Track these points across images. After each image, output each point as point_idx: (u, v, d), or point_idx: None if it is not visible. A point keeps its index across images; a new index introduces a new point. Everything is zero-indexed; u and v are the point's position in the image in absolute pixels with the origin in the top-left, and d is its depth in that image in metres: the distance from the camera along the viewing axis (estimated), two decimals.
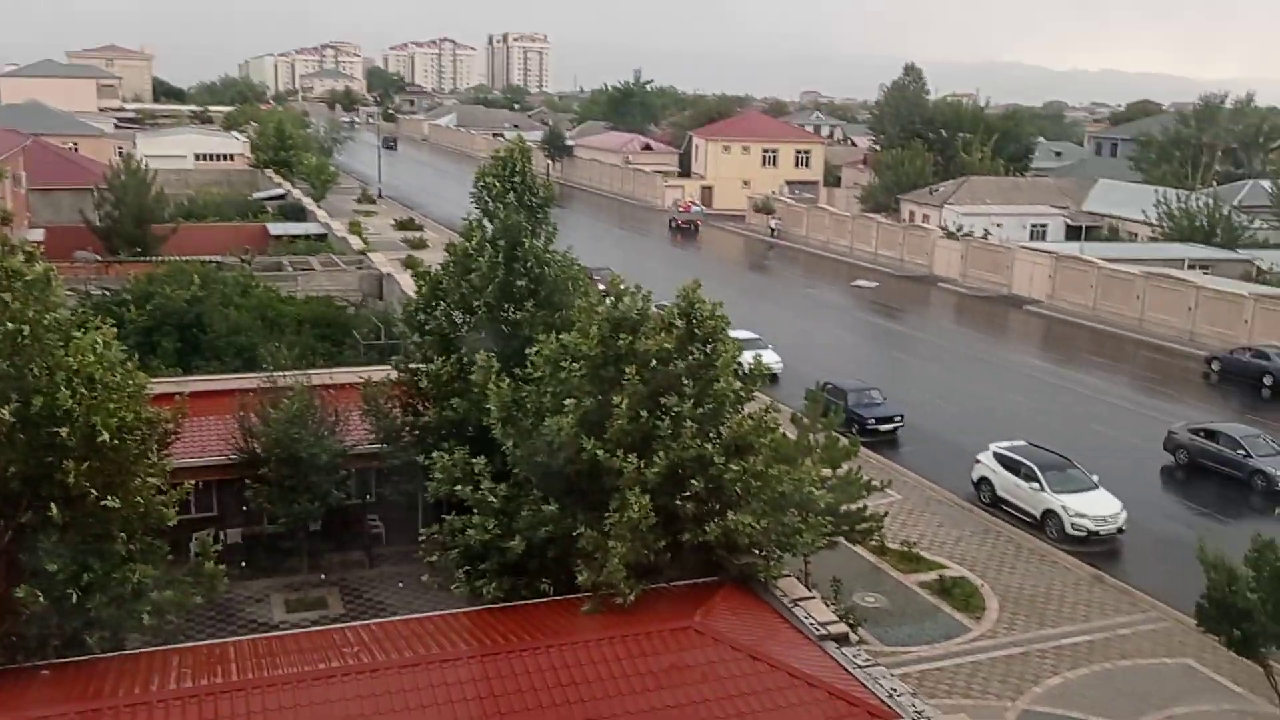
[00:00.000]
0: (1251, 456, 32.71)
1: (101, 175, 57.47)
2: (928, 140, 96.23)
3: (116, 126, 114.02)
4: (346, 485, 24.08)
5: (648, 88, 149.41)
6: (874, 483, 23.17)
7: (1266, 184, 76.85)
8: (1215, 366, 46.51)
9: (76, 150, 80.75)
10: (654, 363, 17.01)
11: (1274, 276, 59.94)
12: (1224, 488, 32.80)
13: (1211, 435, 34.21)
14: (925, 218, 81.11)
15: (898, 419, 37.10)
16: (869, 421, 36.12)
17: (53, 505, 13.82)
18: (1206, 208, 69.13)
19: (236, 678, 14.11)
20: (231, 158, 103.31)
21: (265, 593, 23.48)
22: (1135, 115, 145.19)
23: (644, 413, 16.47)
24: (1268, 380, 43.43)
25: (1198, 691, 21.30)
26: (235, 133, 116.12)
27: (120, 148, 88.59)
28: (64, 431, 13.83)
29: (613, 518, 16.19)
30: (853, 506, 22.55)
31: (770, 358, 38.11)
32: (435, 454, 18.69)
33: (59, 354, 14.26)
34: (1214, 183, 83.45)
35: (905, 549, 27.24)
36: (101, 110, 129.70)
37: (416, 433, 21.86)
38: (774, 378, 35.11)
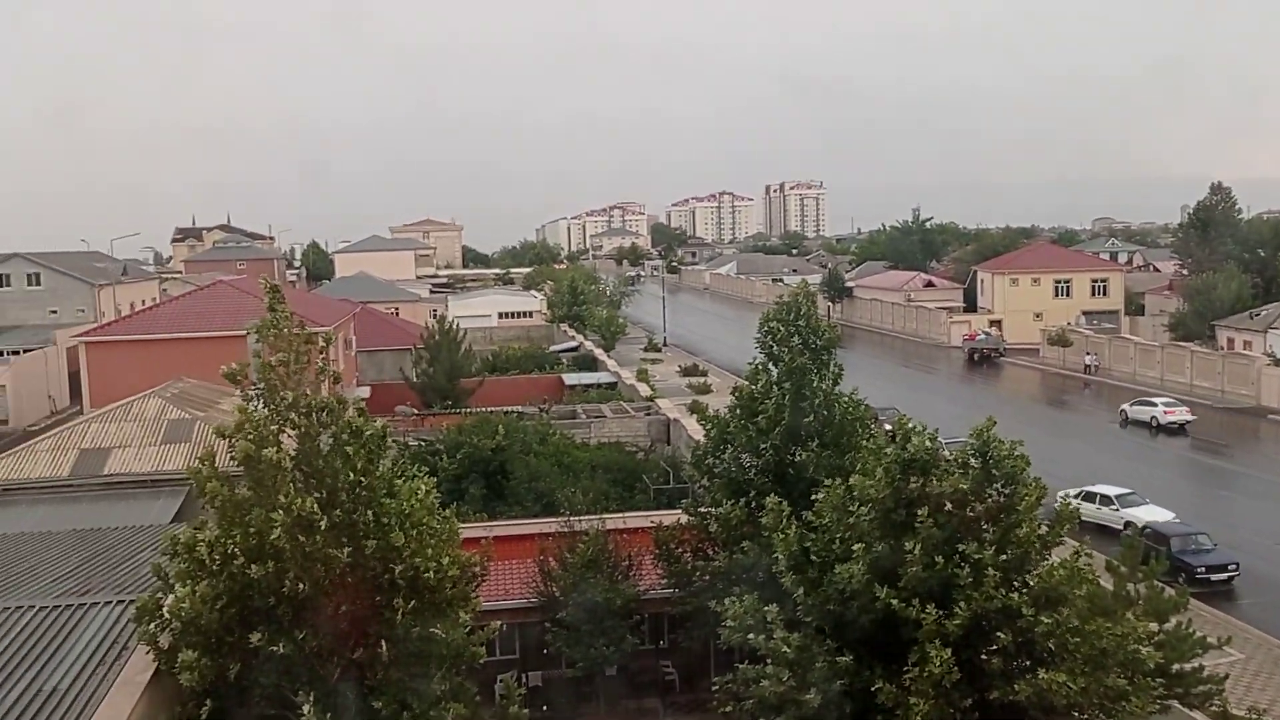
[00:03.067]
0: None
1: (418, 336, 63.05)
2: (1243, 262, 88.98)
3: (431, 291, 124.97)
4: (640, 630, 24.27)
5: (927, 225, 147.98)
6: (1210, 640, 20.78)
7: None
8: None
9: (397, 314, 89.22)
10: (948, 506, 16.30)
11: None
12: None
13: None
14: (1247, 344, 74.28)
15: (1232, 567, 33.38)
16: (1198, 570, 32.69)
17: (383, 643, 14.71)
18: None
19: None
20: (530, 315, 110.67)
21: None
22: None
23: (940, 559, 15.72)
24: None
25: None
26: (533, 291, 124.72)
27: (434, 310, 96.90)
28: (397, 570, 14.85)
29: (912, 672, 15.37)
30: (1186, 666, 20.26)
31: (1155, 513, 36.65)
32: (727, 600, 18.56)
33: (386, 502, 15.45)
34: None
35: (1253, 717, 24.03)
36: (418, 277, 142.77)
37: (707, 578, 21.84)
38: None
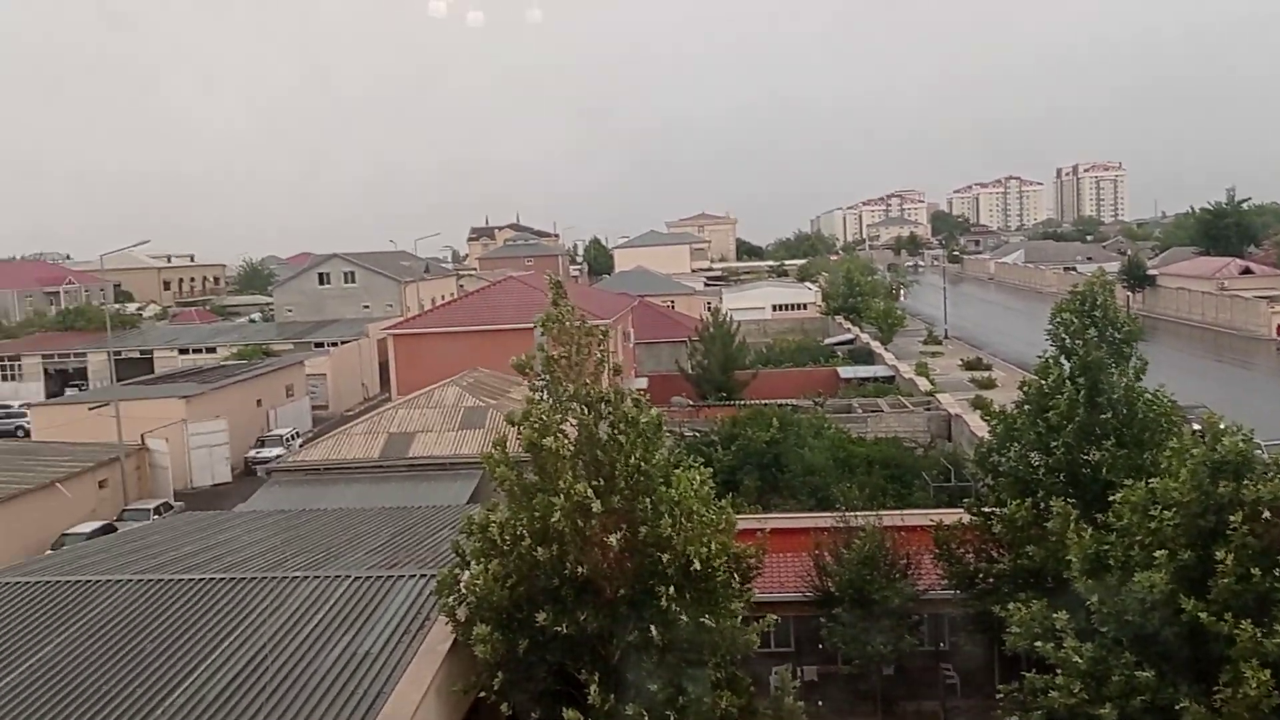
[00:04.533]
0: None
1: (693, 328, 64.18)
2: None
3: (706, 284, 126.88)
4: (919, 631, 23.61)
5: (1243, 206, 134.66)
6: None
7: None
8: None
9: (673, 307, 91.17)
10: (1266, 514, 14.78)
11: None
12: None
13: None
14: None
15: None
16: None
17: (652, 627, 15.10)
18: None
19: None
20: (804, 307, 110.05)
21: None
22: None
23: (1256, 571, 14.29)
24: None
25: None
26: (808, 283, 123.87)
27: (709, 303, 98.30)
28: (665, 557, 15.20)
29: (1224, 692, 14.07)
30: None
31: None
32: (1011, 605, 17.69)
33: (661, 490, 15.81)
34: None
35: None
36: (693, 271, 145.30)
37: (990, 580, 20.95)
38: None
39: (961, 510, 23.28)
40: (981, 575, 21.40)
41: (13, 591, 18.89)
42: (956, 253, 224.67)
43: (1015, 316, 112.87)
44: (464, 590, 15.56)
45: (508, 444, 16.49)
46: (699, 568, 15.40)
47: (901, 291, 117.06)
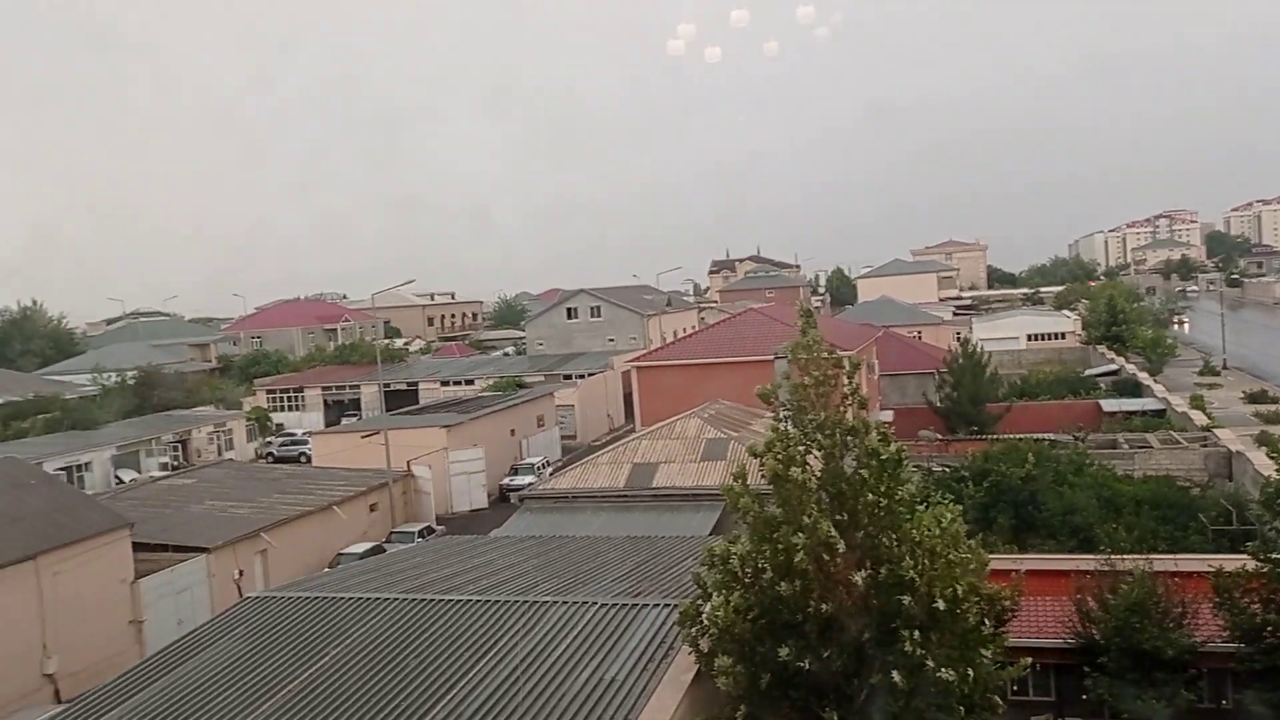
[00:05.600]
0: None
1: (941, 360, 62.16)
2: None
3: (954, 314, 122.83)
4: (1198, 686, 21.69)
5: None
6: None
7: None
8: None
9: (919, 338, 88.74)
10: None
11: None
12: None
13: None
14: None
15: None
16: None
17: (895, 672, 14.58)
18: None
19: None
20: (1063, 336, 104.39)
21: None
22: None
23: None
24: None
25: None
26: (1066, 311, 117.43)
27: (958, 333, 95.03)
28: (906, 600, 14.67)
29: None
30: None
31: None
32: None
33: (905, 527, 15.31)
34: None
35: None
36: (941, 300, 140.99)
37: None
38: None
39: (1246, 556, 21.28)
40: (1271, 628, 19.48)
41: (296, 606, 20.54)
42: (1235, 276, 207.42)
43: None
44: (706, 621, 15.60)
45: (749, 475, 16.46)
46: (944, 608, 14.77)
47: (1179, 321, 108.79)
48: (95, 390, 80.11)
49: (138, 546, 34.09)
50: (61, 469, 54.69)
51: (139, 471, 61.71)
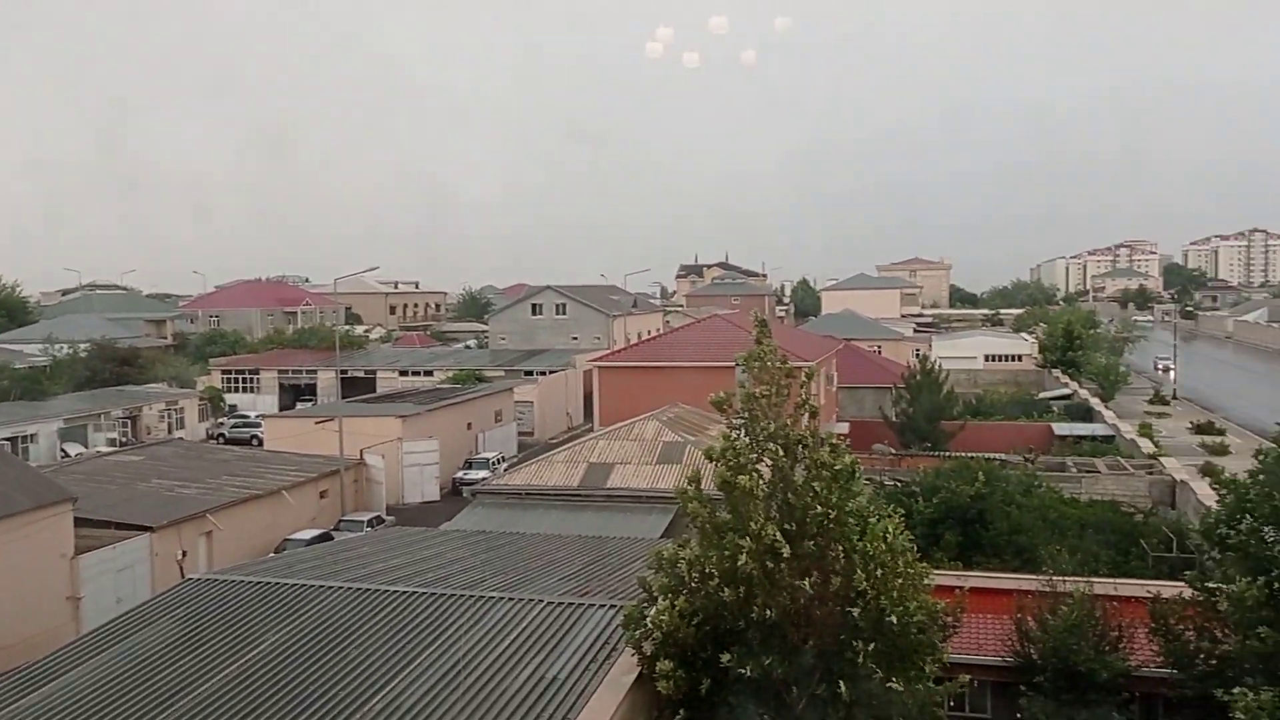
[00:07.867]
0: None
1: (900, 375, 62.67)
2: None
3: (915, 330, 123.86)
4: (1130, 709, 22.03)
5: None
6: None
7: None
8: None
9: (880, 352, 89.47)
10: None
11: None
12: None
13: None
14: None
15: None
16: None
17: (841, 682, 14.67)
18: None
19: None
20: (1019, 358, 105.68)
21: None
22: None
23: None
24: None
25: None
26: (1024, 334, 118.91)
27: (918, 350, 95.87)
28: (856, 611, 14.79)
29: None
30: None
31: None
32: (1237, 689, 16.32)
33: (854, 539, 15.43)
34: None
35: None
36: (903, 316, 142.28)
37: (1213, 662, 19.36)
38: None
39: (1183, 584, 21.66)
40: (1204, 656, 19.82)
41: (238, 590, 20.32)
42: (1190, 308, 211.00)
43: (1255, 379, 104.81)
44: (650, 625, 15.62)
45: (703, 481, 16.51)
46: (895, 624, 14.90)
47: (1127, 346, 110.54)
48: (46, 361, 78.84)
49: (80, 522, 33.54)
50: (6, 439, 53.80)
51: (86, 446, 60.79)
